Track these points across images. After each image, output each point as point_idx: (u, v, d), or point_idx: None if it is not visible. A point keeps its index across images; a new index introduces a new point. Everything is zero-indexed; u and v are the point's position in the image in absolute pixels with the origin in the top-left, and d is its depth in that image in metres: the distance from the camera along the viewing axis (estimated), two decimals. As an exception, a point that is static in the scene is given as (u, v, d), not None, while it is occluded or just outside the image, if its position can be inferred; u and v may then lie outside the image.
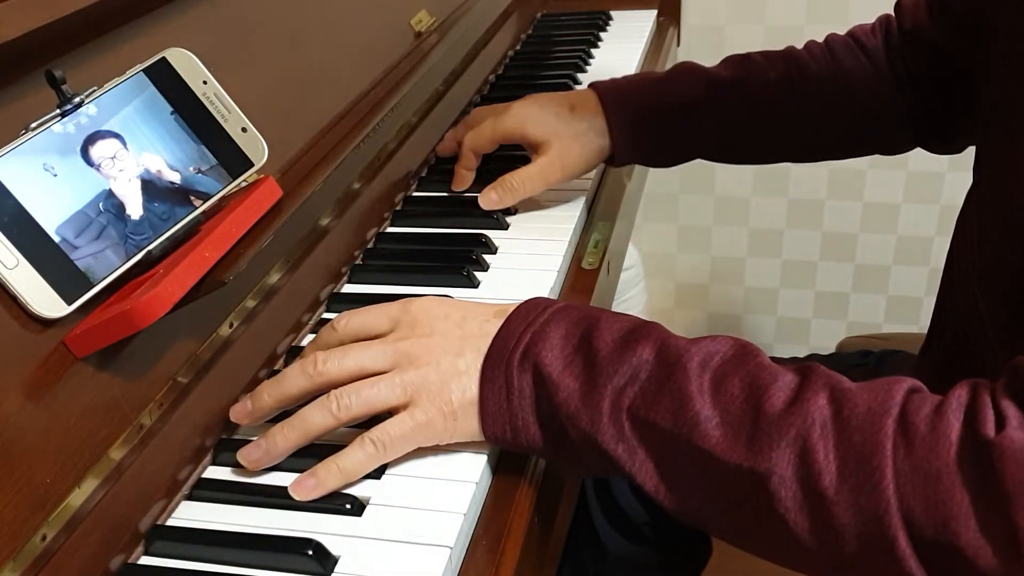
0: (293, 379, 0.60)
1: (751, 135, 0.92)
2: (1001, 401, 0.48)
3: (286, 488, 0.58)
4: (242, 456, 0.60)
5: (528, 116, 0.88)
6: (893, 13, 0.91)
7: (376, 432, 0.57)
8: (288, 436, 0.59)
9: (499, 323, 0.60)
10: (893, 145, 0.93)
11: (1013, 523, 0.45)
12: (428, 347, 0.59)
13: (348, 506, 0.57)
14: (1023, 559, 0.45)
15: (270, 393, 0.61)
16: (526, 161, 0.88)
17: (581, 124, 0.87)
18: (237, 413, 0.62)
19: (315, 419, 0.58)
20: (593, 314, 0.59)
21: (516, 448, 0.59)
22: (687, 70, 0.91)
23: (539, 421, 0.57)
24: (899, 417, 0.50)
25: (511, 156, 0.92)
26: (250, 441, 0.61)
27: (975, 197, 0.73)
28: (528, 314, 0.60)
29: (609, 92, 0.89)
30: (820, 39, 0.93)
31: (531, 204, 0.89)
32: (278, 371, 0.69)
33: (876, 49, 0.89)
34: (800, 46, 0.92)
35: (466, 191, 0.91)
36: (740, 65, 0.91)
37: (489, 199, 0.86)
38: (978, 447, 0.47)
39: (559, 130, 0.87)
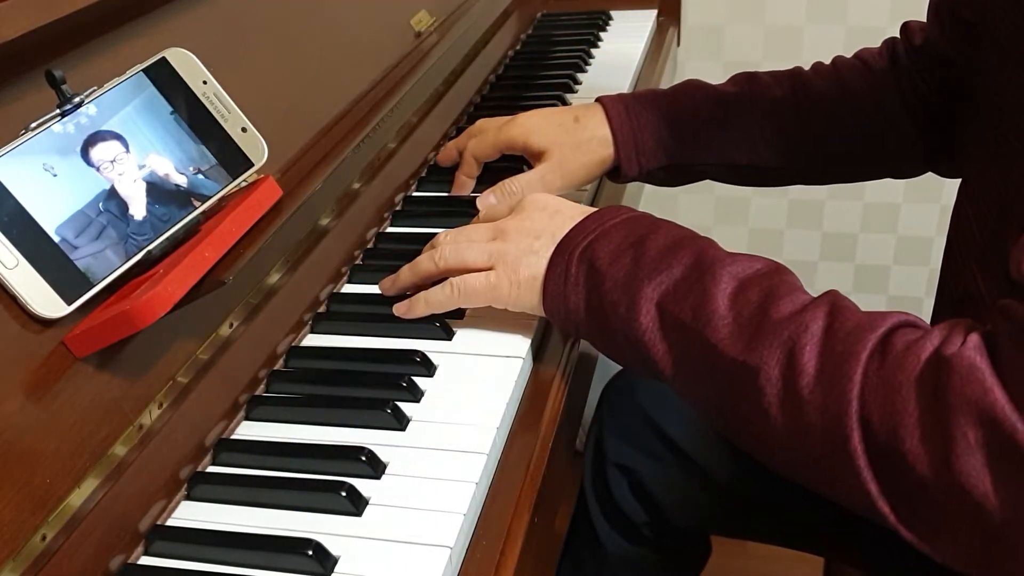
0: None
1: (758, 156, 0.90)
2: (972, 331, 0.51)
3: (284, 487, 0.58)
4: (380, 285, 0.76)
5: (532, 126, 0.88)
6: (899, 35, 0.89)
7: (458, 280, 0.70)
8: (405, 276, 0.74)
9: (580, 220, 0.68)
10: (902, 167, 0.93)
11: (949, 435, 0.48)
12: (519, 228, 0.70)
13: (348, 506, 0.57)
14: (951, 470, 0.48)
15: (409, 269, 0.74)
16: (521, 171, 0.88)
17: (584, 134, 0.88)
18: (385, 285, 0.76)
19: (423, 264, 0.73)
20: (657, 223, 0.67)
21: (567, 326, 0.68)
22: (694, 86, 0.91)
23: (587, 307, 0.65)
24: (883, 336, 0.53)
25: (511, 168, 0.90)
26: (244, 442, 0.64)
27: (969, 189, 0.73)
28: (603, 216, 0.68)
29: (615, 105, 0.89)
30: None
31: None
32: (278, 371, 0.70)
33: (884, 70, 0.88)
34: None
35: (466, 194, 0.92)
36: (747, 82, 0.91)
37: (487, 202, 0.85)
38: (936, 363, 0.50)
39: (562, 139, 0.87)
